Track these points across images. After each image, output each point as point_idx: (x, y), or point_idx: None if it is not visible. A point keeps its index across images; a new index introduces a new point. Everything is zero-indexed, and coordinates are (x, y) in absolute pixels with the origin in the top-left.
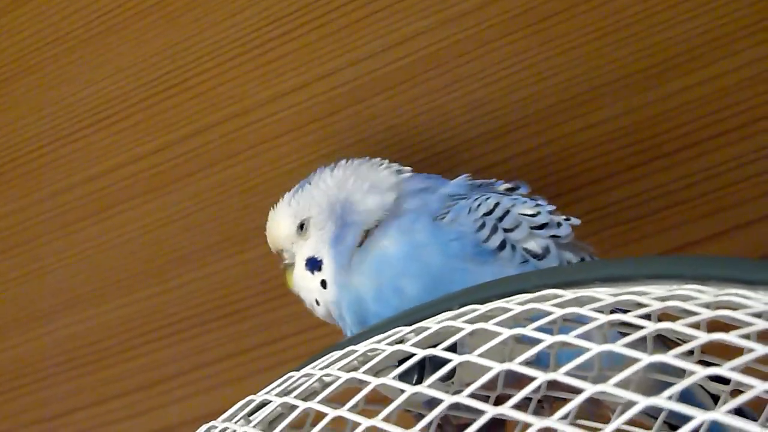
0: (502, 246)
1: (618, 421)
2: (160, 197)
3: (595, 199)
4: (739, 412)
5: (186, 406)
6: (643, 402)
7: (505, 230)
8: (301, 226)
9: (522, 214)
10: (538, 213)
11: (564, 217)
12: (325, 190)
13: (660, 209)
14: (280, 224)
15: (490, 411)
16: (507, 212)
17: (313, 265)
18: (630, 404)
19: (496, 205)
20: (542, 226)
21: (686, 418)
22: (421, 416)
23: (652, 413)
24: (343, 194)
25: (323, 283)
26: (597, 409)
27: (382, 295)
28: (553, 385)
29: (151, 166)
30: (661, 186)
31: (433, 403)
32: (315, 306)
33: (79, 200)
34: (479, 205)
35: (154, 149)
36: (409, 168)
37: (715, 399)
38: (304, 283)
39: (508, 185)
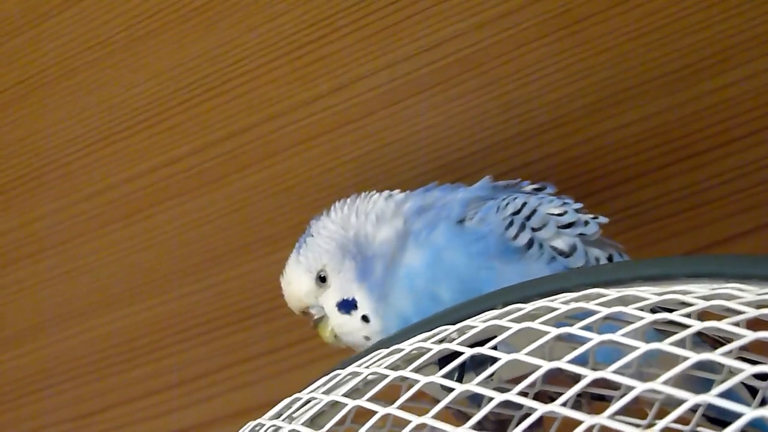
0: (530, 244)
1: (670, 418)
2: (196, 198)
3: (627, 197)
4: None
5: (218, 404)
6: (693, 399)
7: (533, 229)
8: (321, 278)
9: (549, 214)
10: (565, 212)
11: (592, 215)
12: (329, 235)
13: (691, 208)
14: (299, 283)
15: (541, 409)
16: (534, 211)
17: (348, 306)
18: (671, 399)
19: (524, 204)
20: (569, 225)
21: (725, 412)
22: (460, 412)
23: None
24: (351, 232)
25: (365, 318)
26: (633, 404)
27: (421, 307)
28: (593, 381)
29: (188, 167)
30: (692, 185)
31: (475, 398)
32: (365, 343)
33: (115, 201)
34: (507, 205)
35: (191, 151)
36: (398, 190)
37: (752, 391)
38: (345, 328)
39: (534, 186)
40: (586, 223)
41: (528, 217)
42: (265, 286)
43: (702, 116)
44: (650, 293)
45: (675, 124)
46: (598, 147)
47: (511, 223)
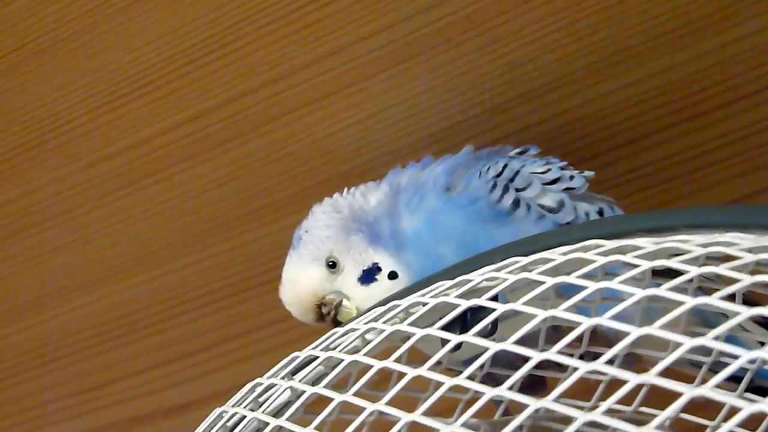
0: (516, 205)
1: (667, 361)
2: (198, 165)
3: (632, 159)
4: None
5: (224, 375)
6: (688, 343)
7: (517, 190)
8: (332, 264)
9: (533, 173)
10: (549, 170)
11: (578, 171)
12: (325, 224)
13: (696, 169)
14: (308, 276)
15: (536, 357)
16: (517, 172)
17: (370, 273)
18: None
19: (505, 166)
20: (554, 181)
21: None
22: (490, 377)
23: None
24: (345, 211)
25: (392, 275)
26: (636, 365)
27: (429, 266)
28: (595, 339)
29: (189, 133)
30: (698, 146)
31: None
32: None
33: (117, 169)
34: (488, 169)
35: (192, 116)
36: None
37: None
38: (373, 298)
39: (517, 150)
40: (572, 177)
41: (511, 179)
42: (268, 255)
43: (705, 75)
44: (649, 243)
45: (678, 83)
46: (600, 108)
47: (494, 186)
